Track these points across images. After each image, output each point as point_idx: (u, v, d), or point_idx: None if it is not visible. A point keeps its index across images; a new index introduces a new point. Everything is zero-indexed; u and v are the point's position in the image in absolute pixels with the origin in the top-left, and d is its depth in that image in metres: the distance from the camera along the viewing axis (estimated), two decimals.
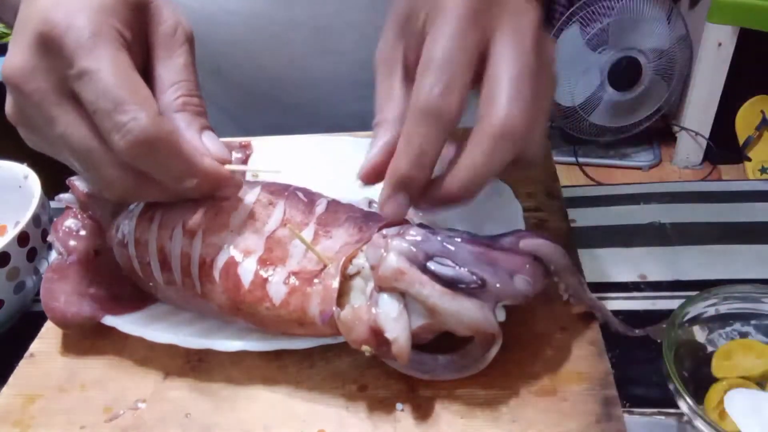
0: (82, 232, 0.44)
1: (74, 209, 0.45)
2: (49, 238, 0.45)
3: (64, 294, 0.39)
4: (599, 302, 0.36)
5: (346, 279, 0.33)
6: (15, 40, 0.31)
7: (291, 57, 0.60)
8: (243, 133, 0.60)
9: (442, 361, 0.34)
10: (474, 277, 0.31)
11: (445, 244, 0.32)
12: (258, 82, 0.64)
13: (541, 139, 0.33)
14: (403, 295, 0.32)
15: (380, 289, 0.32)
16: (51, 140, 0.32)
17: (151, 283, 0.38)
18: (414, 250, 0.32)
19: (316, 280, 0.33)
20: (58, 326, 0.40)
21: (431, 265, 0.31)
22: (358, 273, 0.34)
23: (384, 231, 0.34)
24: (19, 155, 0.54)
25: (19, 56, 0.30)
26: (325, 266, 0.33)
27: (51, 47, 0.30)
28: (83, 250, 0.42)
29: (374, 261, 0.32)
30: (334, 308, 0.32)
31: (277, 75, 0.62)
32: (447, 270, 0.31)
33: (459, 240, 0.32)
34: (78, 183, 0.46)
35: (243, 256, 0.34)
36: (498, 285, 0.31)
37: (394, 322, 0.31)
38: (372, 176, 0.34)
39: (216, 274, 0.34)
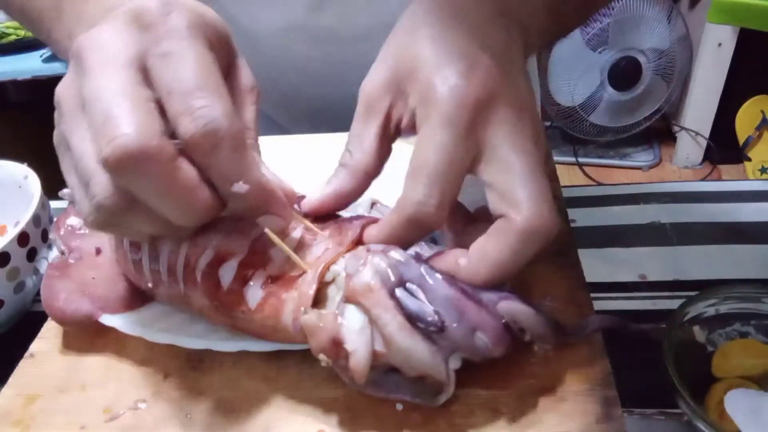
0: (85, 230, 0.44)
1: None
2: (51, 236, 0.45)
3: (64, 291, 0.39)
4: (590, 325, 0.35)
5: (323, 286, 0.33)
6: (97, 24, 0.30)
7: (327, 67, 0.61)
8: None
9: (398, 383, 0.33)
10: (435, 318, 0.30)
11: (424, 274, 0.31)
12: (299, 92, 0.65)
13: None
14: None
15: (347, 300, 0.31)
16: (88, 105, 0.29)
17: (146, 282, 0.38)
18: (390, 272, 0.31)
19: (293, 287, 0.33)
20: (57, 323, 0.40)
21: (399, 293, 0.31)
22: (333, 280, 0.33)
23: (371, 245, 0.33)
24: (19, 155, 0.55)
25: (102, 28, 0.30)
26: (304, 272, 0.33)
27: (142, 23, 0.29)
28: (85, 248, 0.42)
29: (351, 271, 0.32)
30: (301, 309, 0.31)
31: (316, 84, 0.63)
32: (412, 303, 0.30)
33: (439, 276, 0.31)
34: None
35: (225, 258, 0.34)
36: (456, 335, 0.30)
37: (357, 334, 0.30)
38: (316, 212, 0.36)
39: (198, 275, 0.34)
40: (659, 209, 0.52)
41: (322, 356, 0.31)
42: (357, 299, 0.31)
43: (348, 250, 0.33)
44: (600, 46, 1.90)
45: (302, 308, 0.31)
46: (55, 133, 0.32)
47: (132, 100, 0.28)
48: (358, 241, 0.34)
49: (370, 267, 0.31)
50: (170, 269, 0.35)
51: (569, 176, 2.10)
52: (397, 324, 0.30)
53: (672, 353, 0.33)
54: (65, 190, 0.47)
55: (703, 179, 1.97)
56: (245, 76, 0.34)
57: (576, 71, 1.94)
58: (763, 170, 1.86)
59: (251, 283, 0.33)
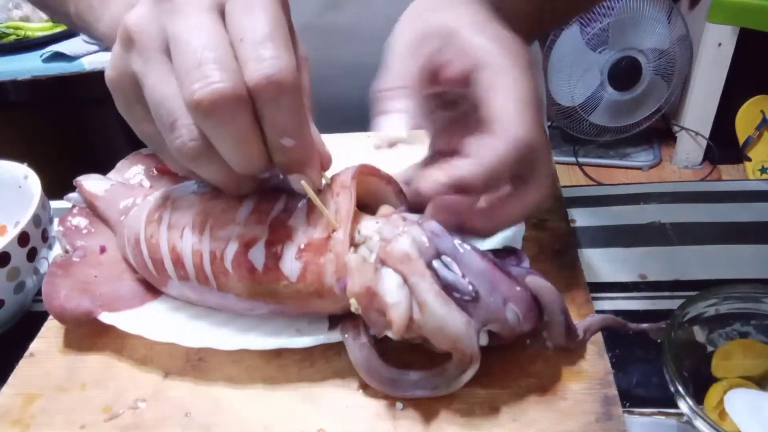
0: (90, 230, 0.44)
1: (81, 208, 0.45)
2: (56, 233, 0.45)
3: (65, 288, 0.39)
4: (589, 328, 0.36)
5: (353, 245, 0.34)
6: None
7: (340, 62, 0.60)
8: None
9: (414, 377, 0.34)
10: (470, 288, 0.31)
11: (457, 246, 0.32)
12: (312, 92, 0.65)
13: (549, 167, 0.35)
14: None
15: (383, 263, 0.32)
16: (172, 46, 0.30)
17: (166, 281, 0.38)
18: (427, 243, 0.32)
19: (326, 249, 0.34)
20: (57, 320, 0.40)
21: (436, 264, 0.32)
22: (364, 242, 0.34)
23: (405, 214, 0.34)
24: (19, 155, 0.55)
25: None
26: (332, 231, 0.34)
27: None
28: (90, 246, 0.43)
29: (388, 235, 0.33)
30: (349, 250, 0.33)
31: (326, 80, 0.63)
32: (448, 274, 0.32)
33: (470, 249, 0.32)
34: (85, 183, 0.46)
35: (251, 244, 0.35)
36: (490, 304, 0.31)
37: (398, 289, 0.32)
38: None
39: (228, 265, 0.35)
40: (659, 209, 0.52)
41: (353, 301, 0.33)
42: (394, 265, 0.32)
43: (358, 207, 0.35)
44: (600, 46, 1.90)
45: (351, 248, 0.33)
46: (118, 69, 0.32)
47: (223, 46, 0.29)
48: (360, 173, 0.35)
49: (408, 236, 0.32)
50: (197, 266, 0.36)
51: (569, 176, 2.10)
52: (434, 292, 0.31)
53: (672, 353, 0.33)
54: (70, 195, 0.47)
55: (703, 179, 1.97)
56: (300, 44, 0.35)
57: (576, 71, 1.94)
58: (763, 170, 1.86)
59: (285, 257, 0.34)
